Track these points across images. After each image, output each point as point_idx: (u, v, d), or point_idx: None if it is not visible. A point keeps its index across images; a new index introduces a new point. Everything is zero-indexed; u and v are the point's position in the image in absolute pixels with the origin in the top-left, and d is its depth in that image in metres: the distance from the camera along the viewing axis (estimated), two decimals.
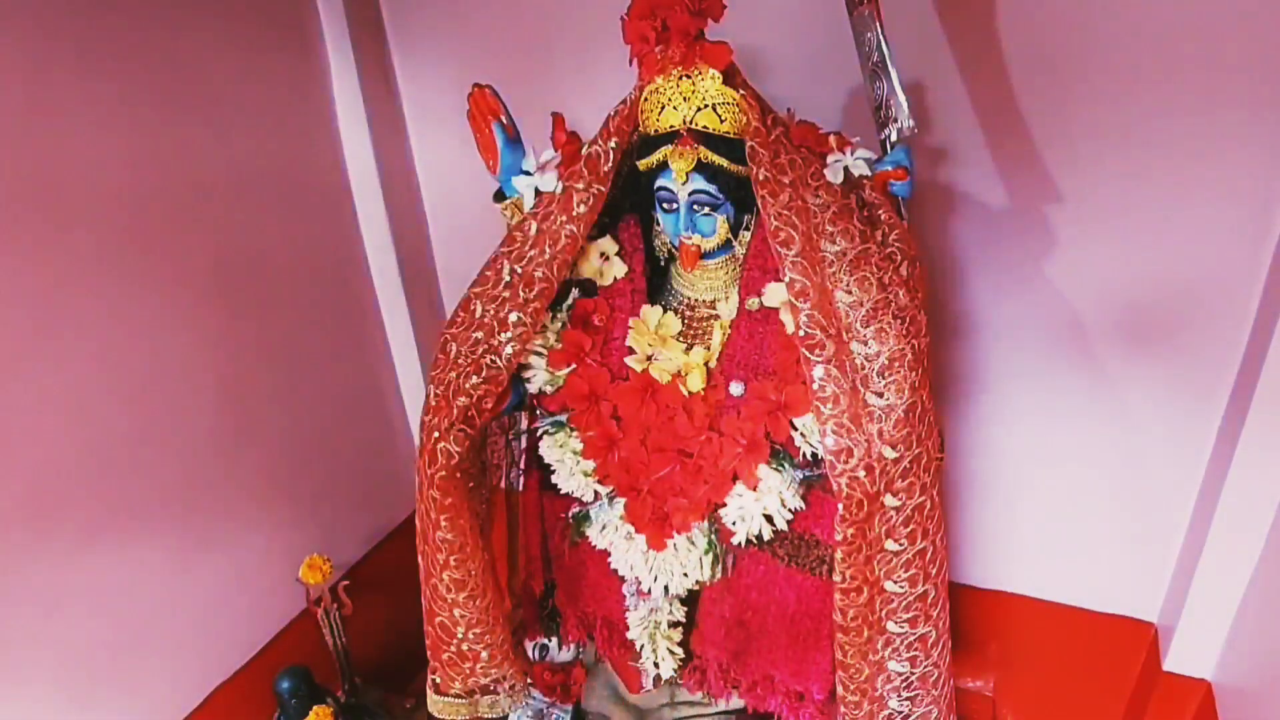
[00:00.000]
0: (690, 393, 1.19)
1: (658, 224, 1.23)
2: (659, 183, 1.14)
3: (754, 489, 1.17)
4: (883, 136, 1.17)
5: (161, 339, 1.43)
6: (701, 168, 1.10)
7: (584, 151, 1.17)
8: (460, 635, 1.33)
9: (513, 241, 1.20)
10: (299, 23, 1.65)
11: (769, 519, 1.17)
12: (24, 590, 1.26)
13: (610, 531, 1.26)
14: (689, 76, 1.09)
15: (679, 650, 1.33)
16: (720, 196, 1.13)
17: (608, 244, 1.26)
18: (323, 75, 1.71)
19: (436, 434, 1.19)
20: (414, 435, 1.51)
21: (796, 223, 1.06)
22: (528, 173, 1.23)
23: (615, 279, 1.26)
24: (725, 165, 1.10)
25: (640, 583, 1.27)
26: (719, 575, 1.25)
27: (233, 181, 1.54)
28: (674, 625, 1.31)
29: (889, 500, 1.10)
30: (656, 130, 1.12)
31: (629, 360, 1.22)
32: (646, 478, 1.21)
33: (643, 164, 1.15)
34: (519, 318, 1.18)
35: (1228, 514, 1.40)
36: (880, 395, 1.07)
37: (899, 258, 1.11)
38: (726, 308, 1.21)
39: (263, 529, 1.67)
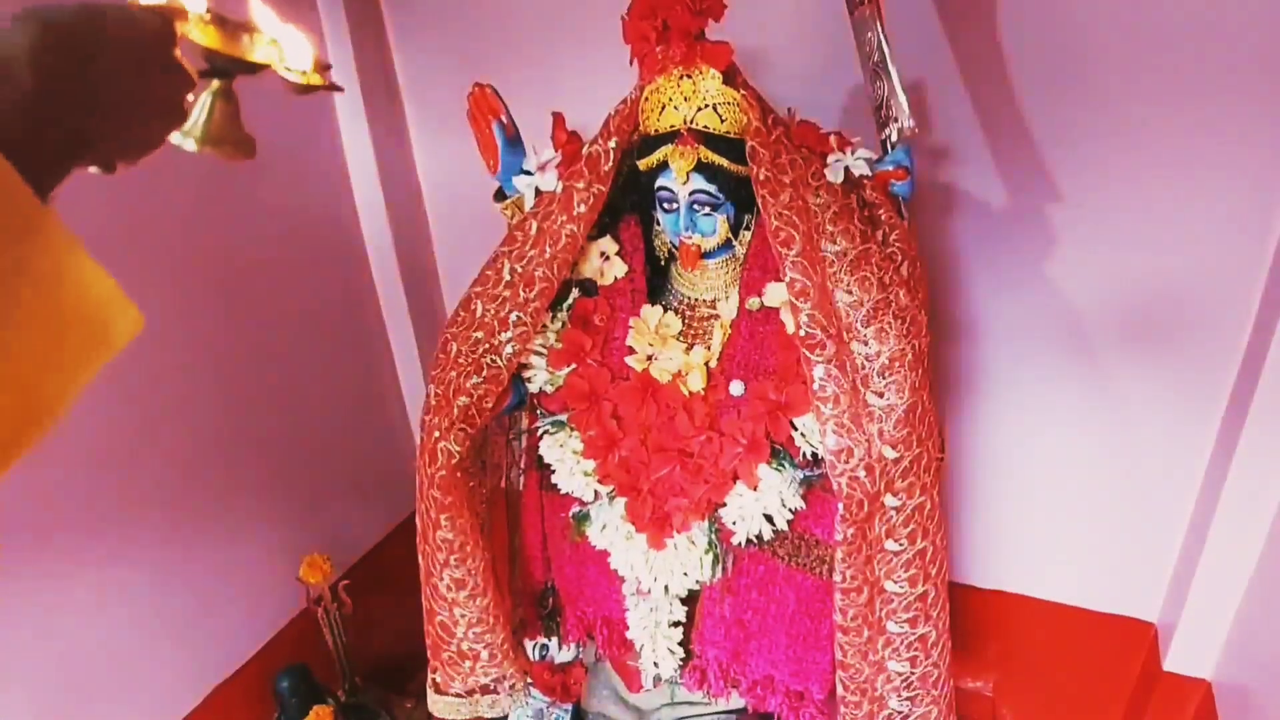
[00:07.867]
0: (690, 392, 1.19)
1: (658, 224, 1.22)
2: (659, 182, 1.14)
3: (754, 489, 1.17)
4: (883, 136, 1.17)
5: (161, 339, 1.43)
6: (702, 167, 1.10)
7: (584, 151, 1.17)
8: (460, 635, 1.33)
9: (513, 241, 1.20)
10: (298, 23, 1.65)
11: (769, 519, 1.17)
12: (24, 590, 1.26)
13: (610, 531, 1.26)
14: (690, 76, 1.09)
15: (679, 650, 1.33)
16: (720, 196, 1.13)
17: (608, 244, 1.26)
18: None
19: (437, 433, 1.19)
20: (414, 434, 1.51)
21: (797, 222, 1.06)
22: (528, 172, 1.23)
23: (615, 279, 1.25)
24: (726, 165, 1.10)
25: (640, 582, 1.27)
26: (719, 575, 1.25)
27: (232, 181, 1.54)
28: (674, 625, 1.31)
29: (889, 500, 1.10)
30: (657, 130, 1.12)
31: (629, 360, 1.22)
32: (646, 477, 1.21)
33: (643, 164, 1.15)
34: (519, 317, 1.18)
35: (1228, 514, 1.40)
36: (881, 395, 1.07)
37: (899, 257, 1.11)
38: (727, 307, 1.21)
39: (263, 528, 1.67)
